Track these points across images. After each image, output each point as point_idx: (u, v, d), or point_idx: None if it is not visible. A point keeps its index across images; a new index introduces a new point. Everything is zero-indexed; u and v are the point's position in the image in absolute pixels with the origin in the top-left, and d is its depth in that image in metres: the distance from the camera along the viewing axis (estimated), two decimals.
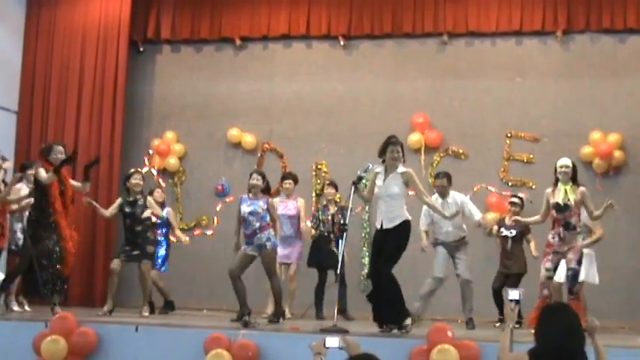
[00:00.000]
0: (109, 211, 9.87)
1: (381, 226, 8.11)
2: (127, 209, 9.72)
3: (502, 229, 10.14)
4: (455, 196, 9.50)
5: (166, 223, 10.58)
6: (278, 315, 9.08)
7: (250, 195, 9.14)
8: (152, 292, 10.37)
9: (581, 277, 9.02)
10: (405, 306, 8.19)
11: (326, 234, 10.28)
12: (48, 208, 9.13)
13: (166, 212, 10.53)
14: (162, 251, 10.57)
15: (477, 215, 9.51)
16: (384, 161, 8.23)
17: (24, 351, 7.88)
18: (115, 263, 9.66)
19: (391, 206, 8.08)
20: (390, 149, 8.17)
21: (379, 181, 8.20)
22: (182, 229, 11.42)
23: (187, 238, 10.69)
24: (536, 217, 9.08)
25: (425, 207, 9.17)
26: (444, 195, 9.44)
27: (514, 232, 10.05)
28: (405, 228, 8.10)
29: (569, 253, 8.65)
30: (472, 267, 10.50)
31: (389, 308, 8.05)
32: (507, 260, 10.05)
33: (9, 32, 12.41)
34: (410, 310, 8.40)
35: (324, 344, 4.73)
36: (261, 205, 9.05)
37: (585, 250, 9.15)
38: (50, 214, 9.14)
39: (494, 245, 10.52)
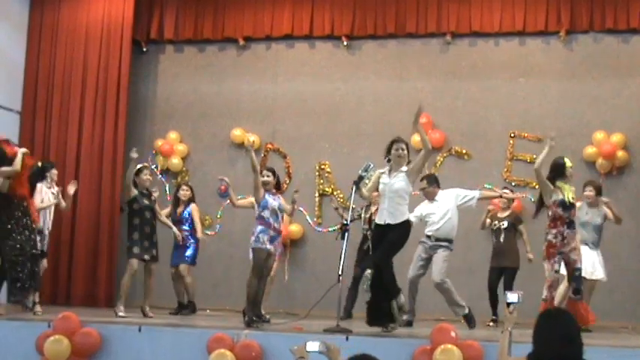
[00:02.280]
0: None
1: (384, 221, 8.13)
2: (146, 201, 9.76)
3: (495, 222, 10.26)
4: (444, 195, 9.48)
5: (191, 219, 10.67)
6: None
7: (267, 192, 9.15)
8: (182, 292, 10.55)
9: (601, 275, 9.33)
10: (394, 291, 8.28)
11: (365, 233, 10.17)
12: None
13: (190, 208, 10.66)
14: (191, 248, 10.61)
15: (475, 192, 9.52)
16: (389, 161, 8.28)
17: (27, 351, 7.90)
18: (137, 264, 9.67)
19: (395, 203, 8.12)
20: (394, 147, 8.23)
21: (385, 179, 8.24)
22: None
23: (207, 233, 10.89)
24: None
25: (415, 212, 9.35)
26: (431, 198, 9.46)
27: (506, 224, 10.19)
28: (406, 227, 8.16)
29: (573, 254, 8.64)
30: (472, 267, 10.57)
31: (384, 300, 8.12)
32: (501, 254, 10.12)
33: (12, 32, 12.42)
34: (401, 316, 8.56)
35: (305, 348, 4.75)
36: (281, 200, 9.16)
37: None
38: None
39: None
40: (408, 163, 8.26)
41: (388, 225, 8.10)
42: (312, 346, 4.72)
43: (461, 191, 9.56)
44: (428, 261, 9.38)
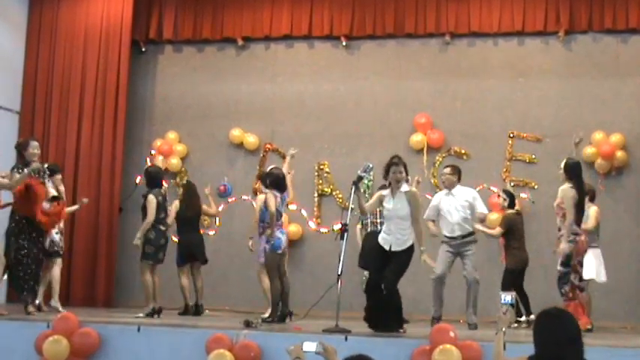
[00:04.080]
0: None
1: (389, 247, 8.12)
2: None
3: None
4: (464, 190, 9.37)
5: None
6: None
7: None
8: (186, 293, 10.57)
9: (591, 275, 9.36)
10: (402, 317, 8.30)
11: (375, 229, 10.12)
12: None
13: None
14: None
15: (483, 210, 9.38)
16: (389, 183, 8.25)
17: (26, 351, 7.87)
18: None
19: (402, 229, 8.11)
20: (392, 170, 8.18)
21: (388, 204, 8.21)
22: None
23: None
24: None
25: (432, 201, 9.45)
26: (450, 187, 9.38)
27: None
28: (411, 251, 8.18)
29: (559, 257, 8.78)
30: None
31: (387, 317, 8.12)
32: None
33: (11, 32, 12.42)
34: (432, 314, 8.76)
35: (302, 348, 4.73)
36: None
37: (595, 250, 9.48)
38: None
39: (496, 245, 10.52)
40: (407, 180, 8.28)
41: (394, 252, 8.10)
42: (309, 346, 4.71)
43: (479, 201, 9.37)
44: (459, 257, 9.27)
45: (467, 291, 9.23)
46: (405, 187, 8.17)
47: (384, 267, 8.13)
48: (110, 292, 12.01)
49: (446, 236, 9.24)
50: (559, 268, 8.79)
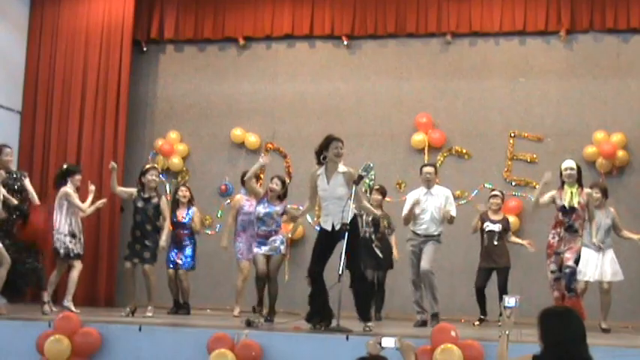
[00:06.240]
0: (119, 188, 9.86)
1: (332, 227, 8.06)
2: (139, 204, 9.61)
3: (487, 224, 10.08)
4: (441, 189, 9.43)
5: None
6: (272, 315, 9.27)
7: (267, 198, 9.21)
8: (177, 292, 10.51)
9: (608, 277, 9.57)
10: (370, 307, 8.37)
11: (367, 236, 10.06)
12: None
13: (192, 212, 10.56)
14: (188, 251, 10.50)
15: (453, 211, 9.31)
16: (324, 158, 8.14)
17: (27, 351, 7.87)
18: (128, 265, 9.65)
19: (340, 207, 8.02)
20: (333, 145, 8.10)
21: (322, 184, 8.16)
22: None
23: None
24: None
25: (408, 200, 9.34)
26: (429, 185, 9.39)
27: (500, 226, 10.05)
28: (355, 223, 8.14)
29: (567, 252, 8.78)
30: (472, 267, 10.50)
31: (359, 304, 8.19)
32: (494, 255, 9.97)
33: (12, 32, 12.42)
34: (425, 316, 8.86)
35: (380, 344, 4.80)
36: (277, 210, 9.21)
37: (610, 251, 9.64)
38: None
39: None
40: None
41: (339, 231, 8.04)
42: (388, 341, 4.80)
43: (451, 198, 9.44)
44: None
45: (423, 283, 9.21)
46: (342, 168, 8.10)
47: (326, 255, 8.17)
48: (112, 291, 12.02)
49: (413, 232, 9.31)
50: (572, 264, 8.79)
